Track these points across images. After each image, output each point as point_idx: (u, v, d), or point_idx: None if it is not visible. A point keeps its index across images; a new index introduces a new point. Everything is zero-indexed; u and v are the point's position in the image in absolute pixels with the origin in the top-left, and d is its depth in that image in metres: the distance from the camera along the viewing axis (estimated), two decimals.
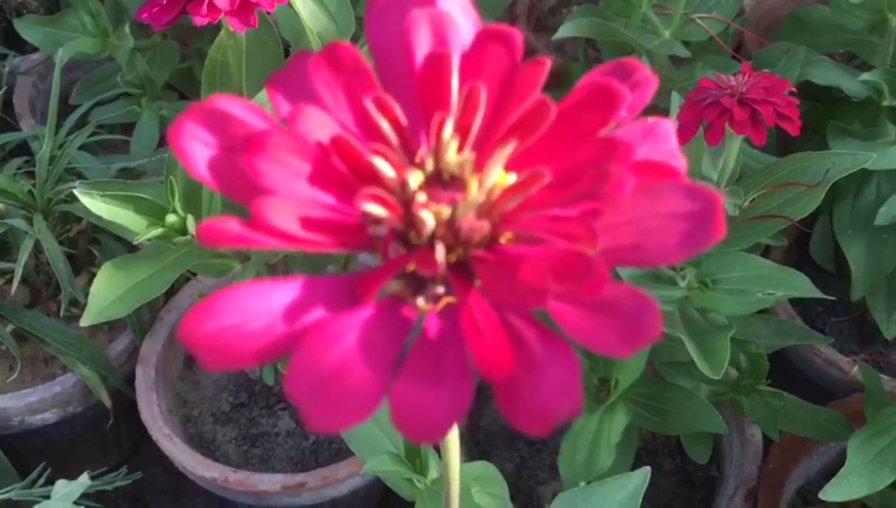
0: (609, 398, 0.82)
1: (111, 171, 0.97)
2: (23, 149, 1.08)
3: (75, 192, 0.70)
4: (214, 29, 0.81)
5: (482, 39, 0.29)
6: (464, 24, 0.31)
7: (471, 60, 0.29)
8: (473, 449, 1.01)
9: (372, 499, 1.03)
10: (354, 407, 0.23)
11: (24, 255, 0.89)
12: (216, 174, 0.27)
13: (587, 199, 0.26)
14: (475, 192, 0.27)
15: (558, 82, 1.14)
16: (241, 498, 0.93)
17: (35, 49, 1.12)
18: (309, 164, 0.27)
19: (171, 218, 0.74)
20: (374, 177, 0.27)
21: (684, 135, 0.73)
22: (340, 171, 0.27)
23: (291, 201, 0.26)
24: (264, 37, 0.85)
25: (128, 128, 1.07)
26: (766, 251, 1.02)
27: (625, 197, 0.26)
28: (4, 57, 1.16)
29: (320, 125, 0.27)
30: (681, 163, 0.31)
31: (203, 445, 0.99)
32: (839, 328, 1.06)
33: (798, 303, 1.01)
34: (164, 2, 0.68)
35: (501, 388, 0.24)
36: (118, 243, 0.97)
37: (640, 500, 0.54)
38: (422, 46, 0.29)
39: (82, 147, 0.97)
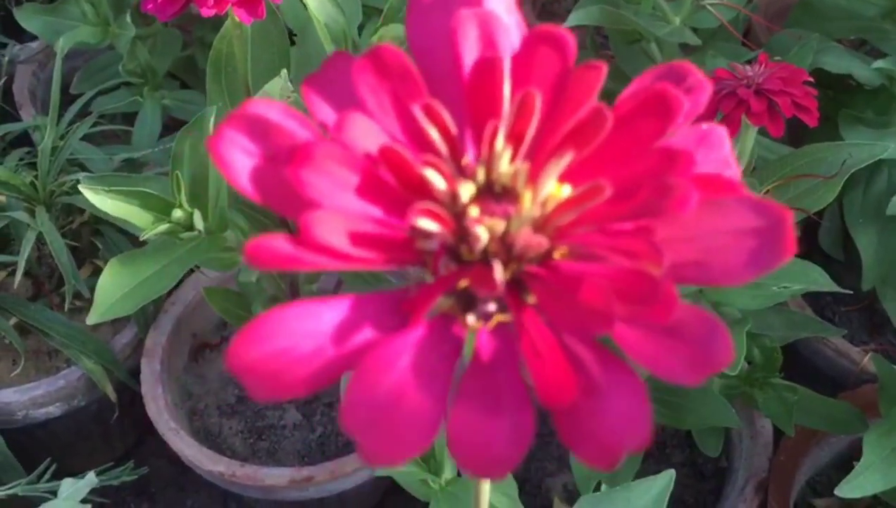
0: None
1: (114, 162, 0.96)
2: (23, 139, 1.06)
3: (80, 188, 0.69)
4: (218, 17, 0.79)
5: (532, 41, 0.28)
6: (510, 25, 0.30)
7: (520, 64, 0.28)
8: None
9: (378, 493, 1.02)
10: (413, 438, 0.22)
11: (26, 248, 0.88)
12: (259, 186, 0.26)
13: (648, 214, 0.25)
14: (529, 205, 0.26)
15: None
16: (248, 492, 0.93)
17: (34, 37, 1.10)
18: (357, 175, 0.26)
19: (177, 213, 0.73)
20: (424, 189, 0.26)
21: None
22: (389, 182, 0.26)
23: (340, 214, 0.25)
24: (270, 27, 0.83)
25: (129, 117, 1.05)
26: None
27: (688, 213, 0.25)
28: (4, 46, 1.14)
29: (368, 134, 0.26)
30: (736, 172, 0.30)
31: (209, 438, 0.98)
32: (849, 318, 1.05)
33: (807, 293, 1.00)
34: None
35: (563, 417, 0.23)
36: (121, 235, 0.96)
37: (665, 504, 0.53)
38: (469, 49, 0.28)
39: (84, 137, 0.95)
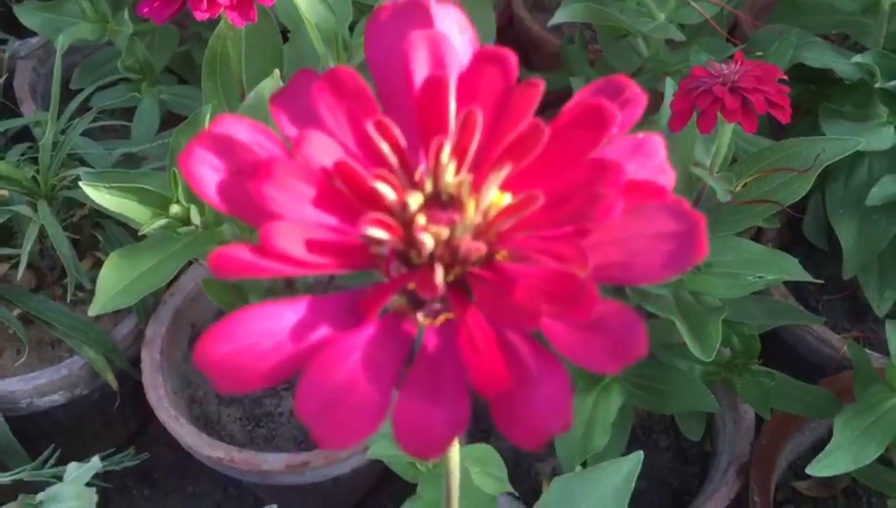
0: (604, 378, 0.84)
1: (113, 156, 0.98)
2: (24, 134, 1.09)
3: (81, 184, 0.71)
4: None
5: (478, 61, 0.30)
6: (461, 43, 0.32)
7: (467, 81, 0.30)
8: (472, 426, 1.03)
9: (372, 477, 1.05)
10: (361, 425, 0.25)
11: (29, 241, 0.91)
12: (225, 198, 0.29)
13: (578, 220, 0.28)
14: (472, 212, 0.29)
15: (555, 64, 1.15)
16: (246, 477, 0.95)
17: (34, 32, 1.13)
18: (314, 188, 0.28)
19: (174, 208, 0.75)
20: (375, 199, 0.28)
21: (678, 122, 0.74)
22: (344, 194, 0.28)
23: (298, 224, 0.27)
24: (263, 27, 0.86)
25: (128, 112, 1.08)
26: (758, 231, 1.03)
27: (613, 219, 0.27)
28: (4, 42, 1.17)
29: (324, 150, 0.29)
30: (668, 178, 0.32)
31: (208, 425, 1.01)
32: (831, 306, 1.08)
33: (791, 281, 1.03)
34: None
35: (497, 403, 0.26)
36: (121, 228, 0.98)
37: (634, 483, 0.56)
38: (420, 69, 0.31)
39: (83, 132, 0.98)
